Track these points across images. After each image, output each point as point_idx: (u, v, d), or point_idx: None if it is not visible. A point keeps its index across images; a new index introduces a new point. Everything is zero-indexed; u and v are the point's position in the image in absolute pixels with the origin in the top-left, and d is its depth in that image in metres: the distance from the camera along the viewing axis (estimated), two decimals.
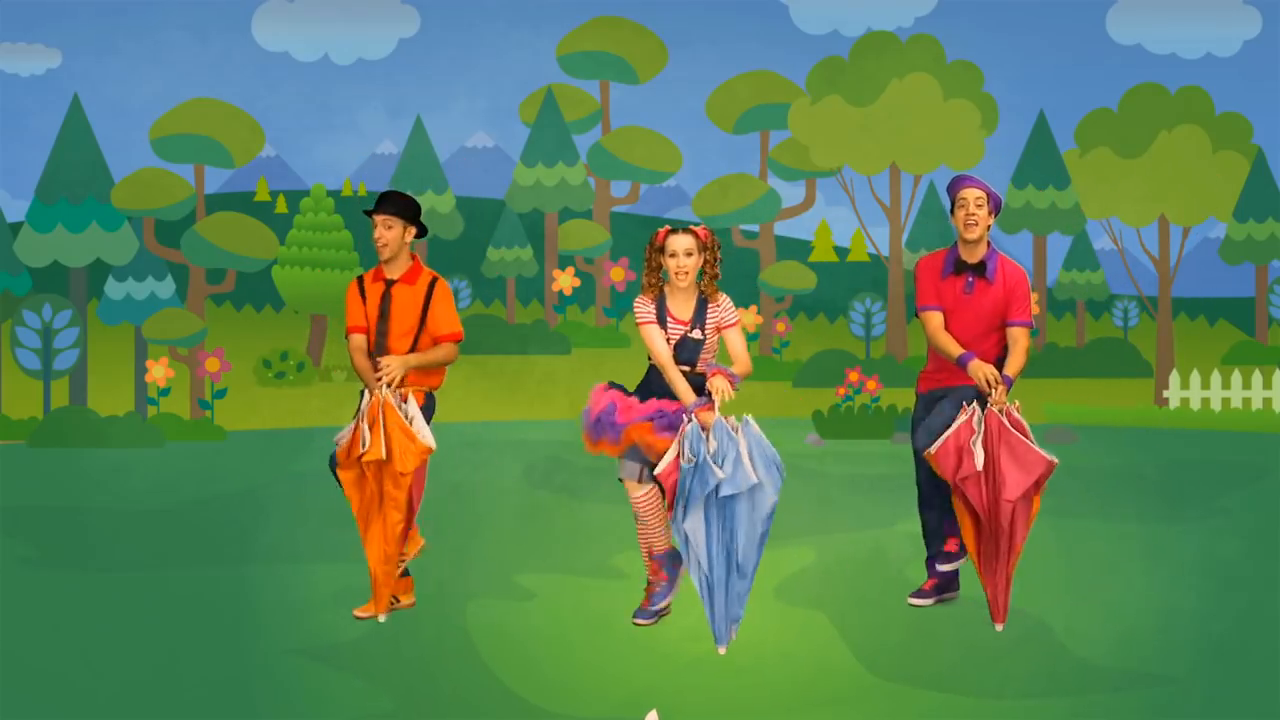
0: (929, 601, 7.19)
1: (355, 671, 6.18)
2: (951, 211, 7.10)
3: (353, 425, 6.84)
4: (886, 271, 14.48)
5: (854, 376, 13.02)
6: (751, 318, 14.08)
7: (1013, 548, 6.74)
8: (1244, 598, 7.32)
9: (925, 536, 7.32)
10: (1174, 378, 14.12)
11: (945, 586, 7.27)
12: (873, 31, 14.33)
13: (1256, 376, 14.00)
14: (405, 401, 6.86)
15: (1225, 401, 14.02)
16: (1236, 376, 14.03)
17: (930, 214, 14.32)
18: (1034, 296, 14.31)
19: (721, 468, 6.39)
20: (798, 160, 14.43)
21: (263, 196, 14.39)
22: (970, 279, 7.04)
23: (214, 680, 6.08)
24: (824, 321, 14.61)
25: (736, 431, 6.47)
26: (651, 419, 6.60)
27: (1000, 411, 6.76)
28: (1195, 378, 14.08)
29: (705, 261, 6.73)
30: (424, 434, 6.83)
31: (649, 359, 6.79)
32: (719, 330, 6.77)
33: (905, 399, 13.15)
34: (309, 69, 14.15)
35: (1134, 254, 14.66)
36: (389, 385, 6.83)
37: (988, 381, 6.78)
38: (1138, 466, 11.49)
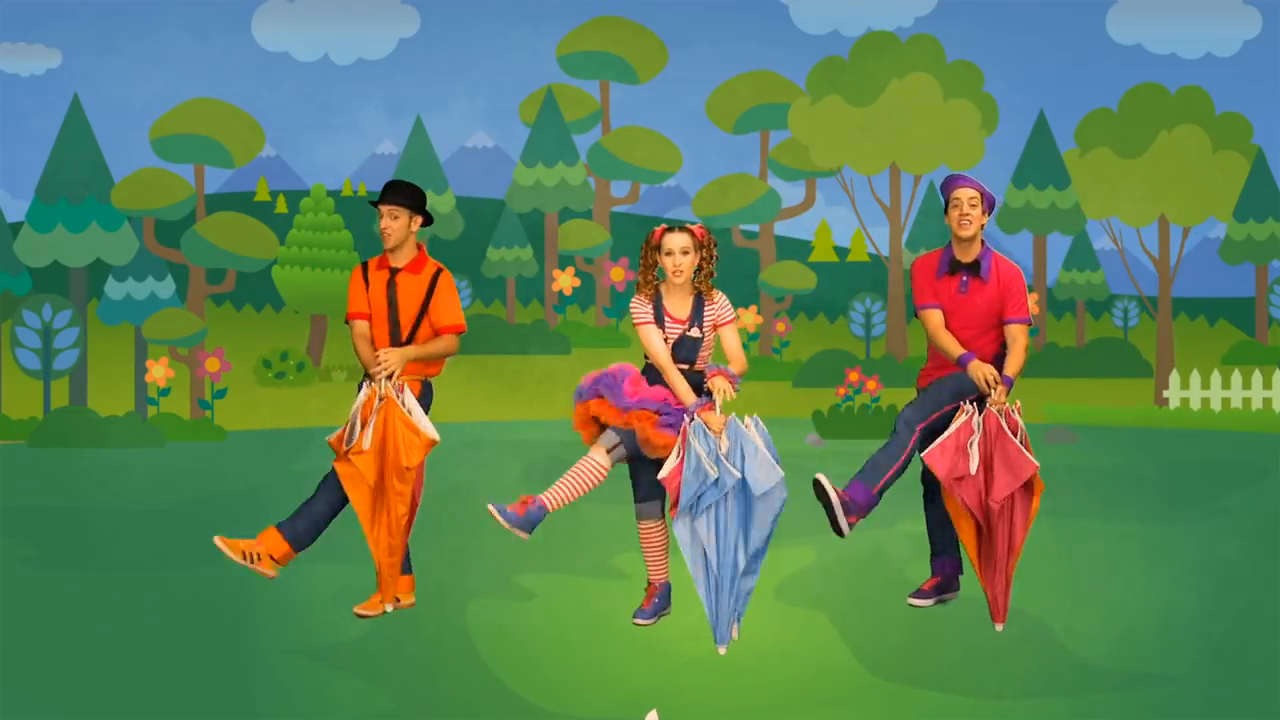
0: (929, 602, 7.19)
1: (355, 671, 6.18)
2: (945, 211, 7.11)
3: (350, 422, 6.84)
4: (886, 271, 14.48)
5: (854, 376, 13.02)
6: (751, 318, 14.09)
7: (1012, 548, 6.74)
8: (1244, 598, 7.32)
9: (928, 533, 7.32)
10: (1174, 378, 14.12)
11: (945, 587, 7.27)
12: (873, 31, 14.33)
13: (1256, 376, 14.01)
14: (402, 393, 6.86)
15: (1225, 401, 14.02)
16: (1236, 376, 14.03)
17: (930, 214, 14.32)
18: (1033, 296, 14.37)
19: (737, 467, 6.40)
20: (798, 160, 14.43)
21: (263, 196, 14.39)
22: (965, 278, 7.04)
23: (214, 680, 6.08)
24: (824, 321, 14.62)
25: (750, 430, 6.49)
26: (658, 411, 6.59)
27: (1000, 412, 6.77)
28: (1195, 378, 14.08)
29: (701, 260, 6.74)
30: (426, 426, 6.84)
31: (646, 359, 6.79)
32: (716, 328, 6.77)
33: (905, 399, 13.12)
34: (309, 69, 14.15)
35: (1134, 254, 14.67)
36: (387, 378, 6.83)
37: (987, 382, 6.79)
38: (1138, 466, 11.48)
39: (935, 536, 7.29)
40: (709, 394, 6.56)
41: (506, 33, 14.26)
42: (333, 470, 6.99)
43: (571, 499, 6.65)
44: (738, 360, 6.76)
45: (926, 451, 6.82)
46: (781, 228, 14.67)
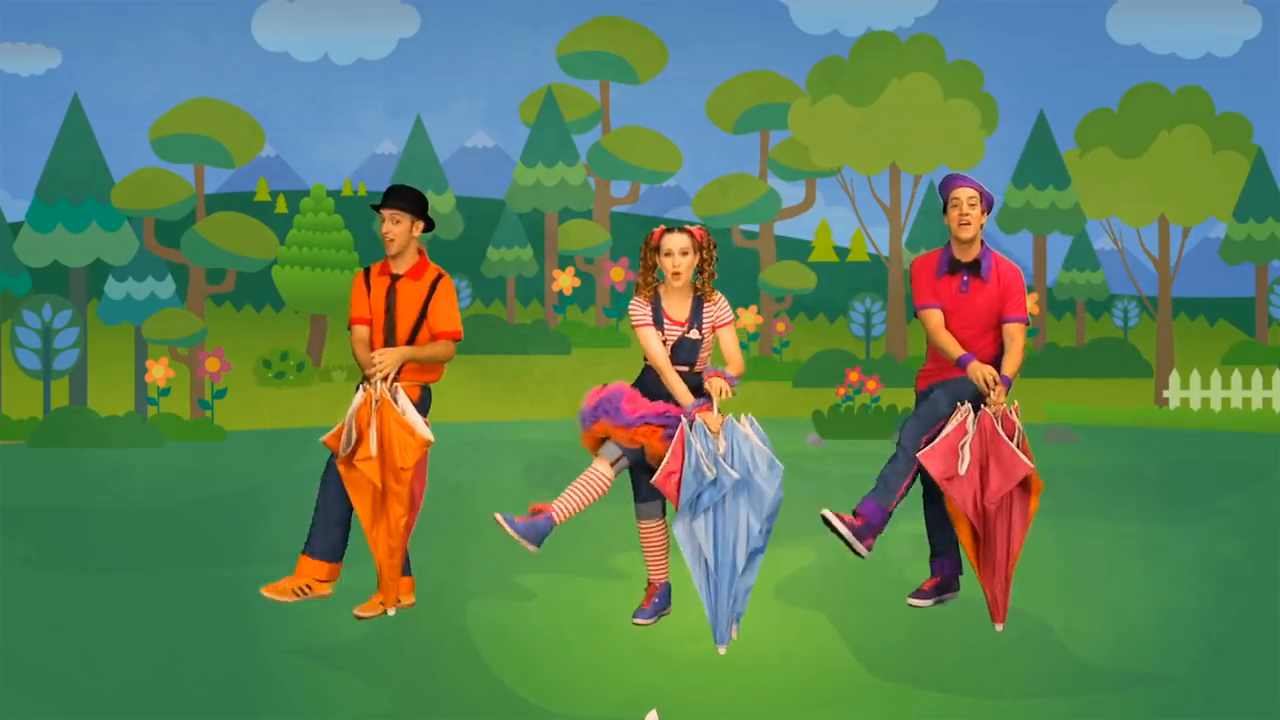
0: (928, 602, 7.19)
1: (355, 671, 6.18)
2: (944, 211, 7.11)
3: (347, 425, 6.83)
4: (886, 271, 14.48)
5: (854, 376, 13.02)
6: (751, 318, 14.09)
7: (1011, 549, 6.74)
8: (1244, 598, 7.32)
9: (928, 533, 7.33)
10: (1174, 378, 14.12)
11: (945, 587, 7.27)
12: (873, 31, 14.33)
13: (1256, 376, 14.01)
14: (397, 395, 6.85)
15: (1225, 401, 14.02)
16: (1236, 376, 14.03)
17: (930, 214, 14.31)
18: (1033, 296, 14.37)
19: (736, 467, 6.40)
20: (798, 160, 14.43)
21: (263, 196, 14.39)
22: (965, 278, 7.04)
23: (214, 680, 6.08)
24: (824, 321, 14.62)
25: (747, 429, 6.49)
26: (661, 423, 6.59)
27: (996, 414, 6.77)
28: (1195, 378, 14.08)
29: (701, 261, 6.74)
30: (421, 427, 6.83)
31: (645, 360, 6.79)
32: (714, 329, 6.77)
33: (905, 399, 13.13)
34: (309, 69, 14.15)
35: (1134, 254, 14.67)
36: (383, 379, 6.82)
37: (987, 383, 6.79)
38: (1138, 466, 11.48)
39: (934, 537, 7.29)
40: (707, 395, 6.56)
41: (506, 33, 14.26)
42: (328, 472, 7.00)
43: (579, 509, 6.67)
44: (735, 362, 6.76)
45: (923, 452, 6.82)
46: (781, 228, 14.66)
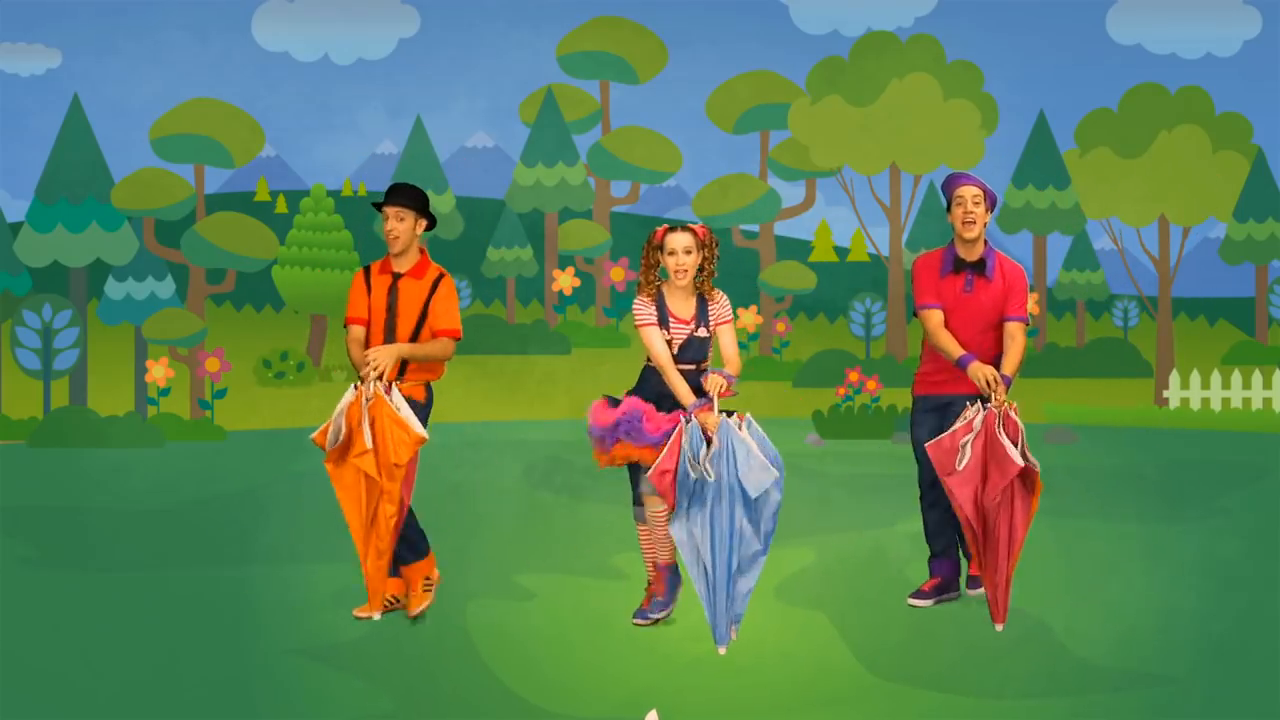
0: (928, 602, 7.19)
1: (355, 671, 6.18)
2: (948, 210, 7.10)
3: (335, 421, 6.76)
4: (886, 271, 14.48)
5: (854, 376, 13.02)
6: (751, 318, 14.09)
7: (1012, 548, 6.74)
8: (1244, 598, 7.32)
9: (927, 536, 7.33)
10: (1174, 378, 14.12)
11: (945, 588, 7.27)
12: (873, 31, 14.33)
13: (1256, 376, 14.01)
14: (390, 393, 6.81)
15: (1225, 401, 14.02)
16: (1236, 376, 14.03)
17: (930, 214, 14.32)
18: (1033, 296, 14.36)
19: (723, 469, 6.39)
20: (798, 160, 14.43)
21: (263, 196, 14.39)
22: (970, 277, 7.04)
23: (214, 680, 6.08)
24: (824, 321, 14.61)
25: (742, 430, 6.48)
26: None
27: (999, 414, 6.77)
28: (1195, 378, 14.09)
29: (704, 259, 6.74)
30: (415, 424, 6.80)
31: (647, 360, 6.78)
32: (716, 326, 6.78)
33: (905, 399, 13.09)
34: (309, 69, 14.15)
35: (1134, 254, 14.67)
36: (378, 377, 6.78)
37: (988, 383, 6.79)
38: (1138, 466, 11.48)
39: (933, 539, 7.29)
40: (706, 395, 6.56)
41: (506, 33, 14.26)
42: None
43: (666, 541, 6.82)
44: (733, 361, 6.77)
45: (929, 444, 6.83)
46: (781, 228, 14.66)
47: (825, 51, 14.32)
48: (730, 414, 6.57)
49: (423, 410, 7.05)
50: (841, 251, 14.68)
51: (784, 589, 7.45)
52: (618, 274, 14.46)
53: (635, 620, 6.82)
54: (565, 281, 14.43)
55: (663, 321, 6.71)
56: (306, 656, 6.37)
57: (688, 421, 6.50)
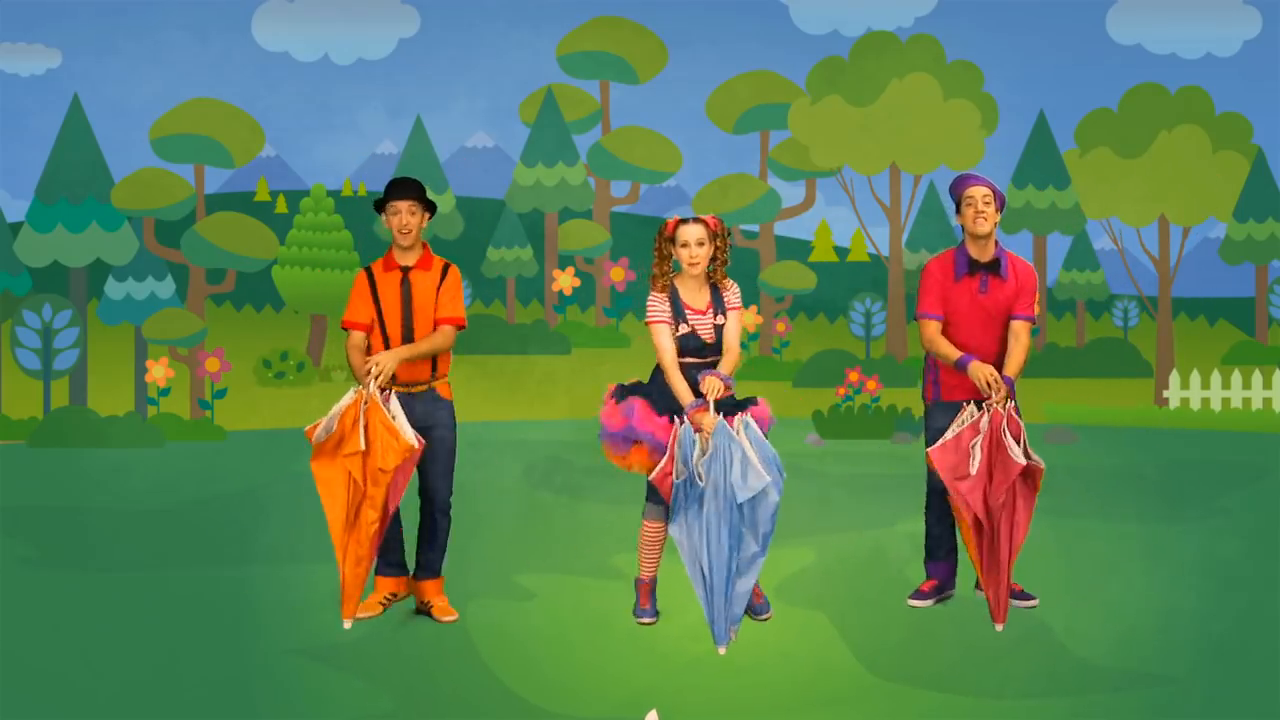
0: (928, 603, 7.19)
1: (355, 671, 6.18)
2: (958, 211, 7.10)
3: (329, 418, 6.73)
4: (886, 271, 14.48)
5: (854, 376, 13.02)
6: (751, 318, 14.08)
7: (1012, 548, 6.75)
8: (1244, 598, 7.32)
9: (927, 541, 7.33)
10: (1174, 378, 14.12)
11: (943, 587, 7.27)
12: (873, 31, 14.33)
13: (1256, 376, 14.00)
14: (389, 401, 6.79)
15: (1225, 401, 14.02)
16: (1236, 376, 14.03)
17: (930, 214, 14.31)
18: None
19: (723, 471, 6.39)
20: (798, 160, 14.43)
21: (263, 196, 14.39)
22: (985, 278, 7.06)
23: (214, 680, 6.08)
24: (824, 321, 14.61)
25: (739, 433, 6.47)
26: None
27: (1003, 411, 6.77)
28: (1195, 378, 14.08)
29: (715, 250, 6.75)
30: (407, 432, 6.76)
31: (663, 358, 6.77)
32: (727, 311, 6.80)
33: (905, 399, 13.16)
34: (309, 69, 14.15)
35: (1134, 254, 14.67)
36: (378, 384, 6.76)
37: (988, 384, 6.80)
38: (1138, 466, 11.48)
39: (933, 541, 7.30)
40: (702, 396, 6.55)
41: (506, 33, 14.26)
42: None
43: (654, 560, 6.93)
44: (732, 349, 6.77)
45: (931, 448, 6.83)
46: (781, 228, 14.66)
47: (825, 51, 14.32)
48: (737, 412, 6.57)
49: (450, 408, 7.07)
50: (841, 251, 14.68)
51: (784, 589, 7.44)
52: (618, 274, 14.46)
53: (640, 620, 6.83)
54: (565, 281, 14.43)
55: (679, 315, 6.70)
56: (306, 656, 6.37)
57: (681, 423, 6.51)
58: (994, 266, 7.05)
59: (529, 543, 8.66)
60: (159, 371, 13.07)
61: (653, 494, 6.80)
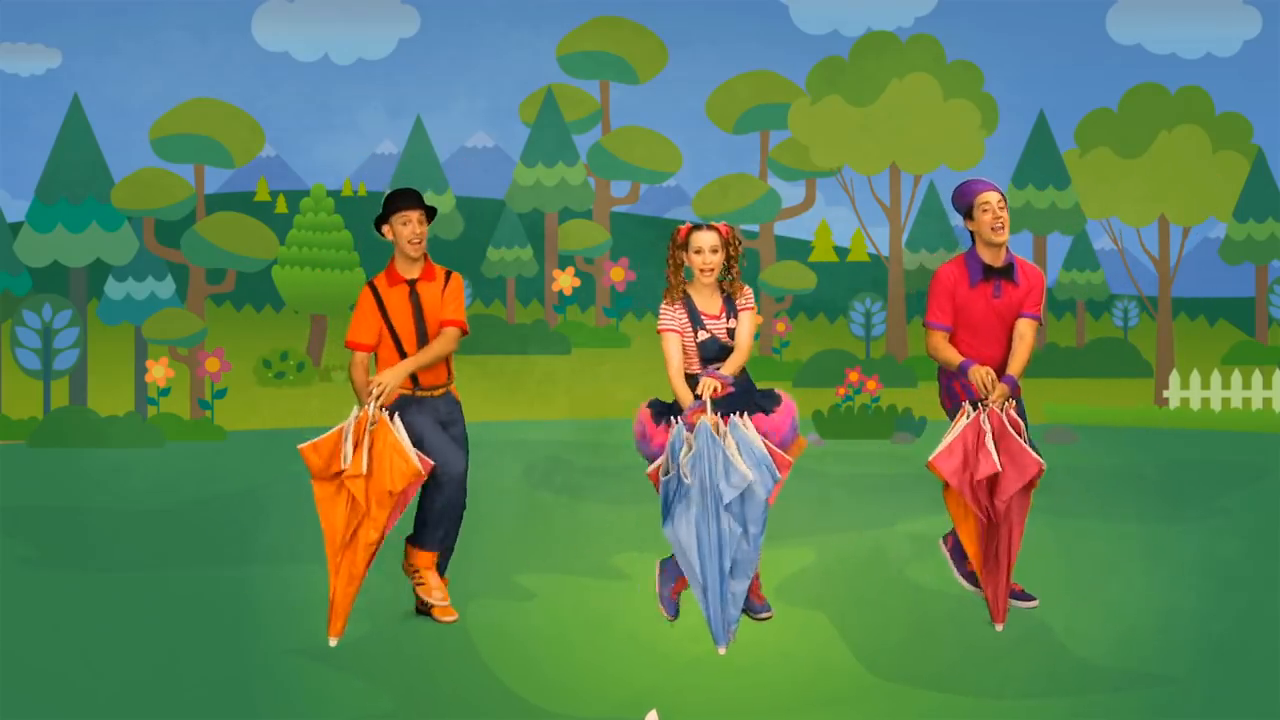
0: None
1: (355, 671, 6.18)
2: (968, 217, 7.07)
3: (339, 440, 6.68)
4: (886, 271, 14.48)
5: (854, 376, 13.02)
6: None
7: (1011, 547, 6.75)
8: (1244, 598, 7.32)
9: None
10: (1174, 378, 14.12)
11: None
12: (873, 31, 14.32)
13: (1256, 376, 14.00)
14: (394, 420, 6.75)
15: (1225, 401, 14.02)
16: (1236, 376, 14.03)
17: (930, 214, 14.31)
18: None
19: (700, 471, 6.38)
20: (798, 160, 14.43)
21: (263, 196, 14.38)
22: (999, 284, 7.07)
23: (214, 680, 6.08)
24: (824, 321, 14.61)
25: (724, 435, 6.45)
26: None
27: (1000, 411, 6.77)
28: (1195, 378, 14.08)
29: (728, 257, 6.79)
30: (414, 456, 6.69)
31: (695, 363, 6.80)
32: (739, 312, 6.82)
33: (905, 399, 13.17)
34: (309, 69, 14.14)
35: (1134, 254, 14.66)
36: (380, 404, 6.71)
37: (985, 386, 6.81)
38: (1138, 466, 11.48)
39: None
40: (699, 398, 6.56)
41: (506, 33, 14.26)
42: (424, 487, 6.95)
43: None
44: (742, 348, 6.79)
45: (932, 456, 6.82)
46: (781, 228, 14.66)
47: (825, 51, 14.32)
48: (736, 413, 6.57)
49: (461, 407, 7.11)
50: (841, 251, 14.68)
51: (784, 589, 7.44)
52: (618, 274, 14.46)
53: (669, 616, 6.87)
54: (565, 281, 14.43)
55: (697, 321, 6.75)
56: (306, 656, 6.37)
57: (674, 426, 6.53)
58: (1007, 272, 7.06)
59: (529, 543, 8.66)
60: (159, 371, 13.07)
61: None
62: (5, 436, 13.02)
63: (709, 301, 6.78)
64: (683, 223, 6.93)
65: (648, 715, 5.35)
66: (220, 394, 13.19)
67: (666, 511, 6.48)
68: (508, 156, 14.58)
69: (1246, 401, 13.98)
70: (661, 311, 6.78)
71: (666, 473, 6.46)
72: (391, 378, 6.76)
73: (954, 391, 7.17)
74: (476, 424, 7.29)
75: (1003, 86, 14.28)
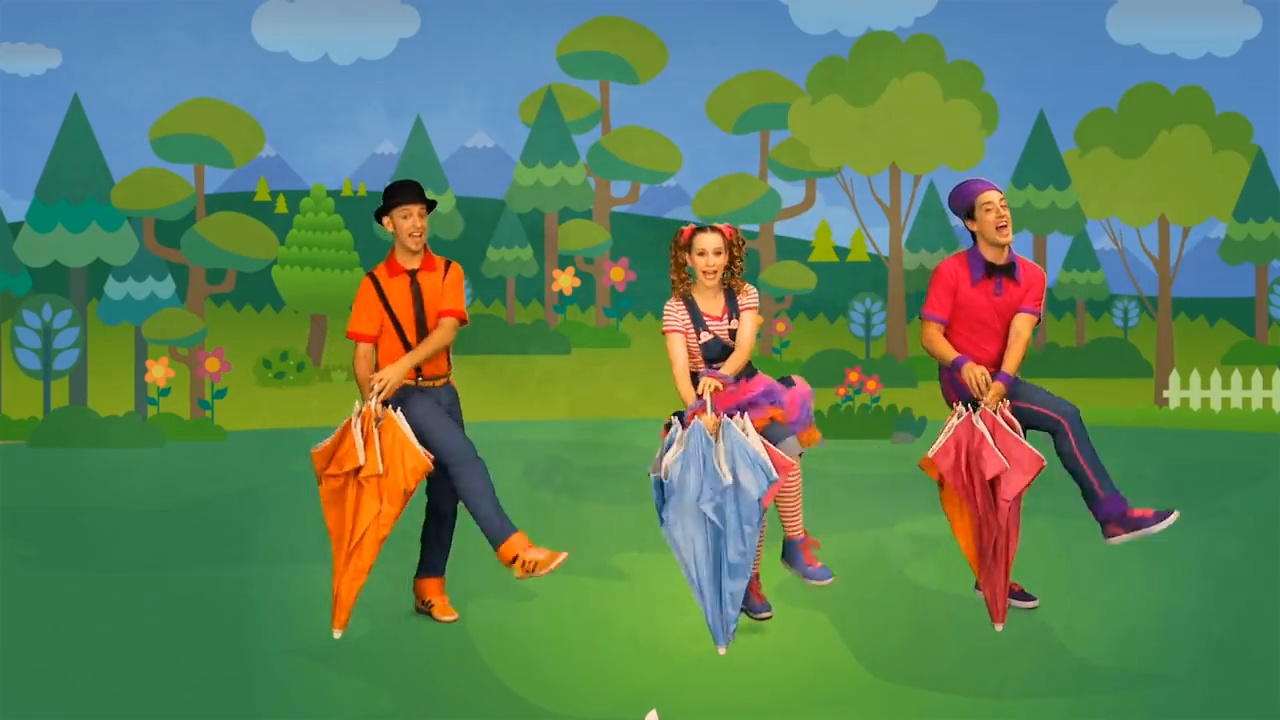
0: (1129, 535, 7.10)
1: (355, 671, 6.18)
2: (971, 216, 7.08)
3: (344, 438, 6.68)
4: (886, 271, 14.48)
5: (854, 376, 13.03)
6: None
7: (1009, 546, 6.75)
8: (1244, 598, 7.32)
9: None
10: (1174, 378, 14.12)
11: (1136, 523, 7.12)
12: (873, 31, 14.32)
13: (1256, 376, 14.01)
14: (396, 413, 6.75)
15: (1225, 401, 14.02)
16: (1236, 376, 14.03)
17: (930, 214, 14.31)
18: None
19: (691, 472, 6.37)
20: (798, 160, 14.43)
21: (263, 196, 14.38)
22: (1000, 281, 7.08)
23: (214, 680, 6.08)
24: (824, 321, 14.61)
25: (716, 436, 6.43)
26: (770, 400, 6.71)
27: (994, 410, 6.78)
28: (1195, 378, 14.08)
29: (731, 259, 6.80)
30: (422, 450, 6.72)
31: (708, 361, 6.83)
32: (741, 312, 6.83)
33: (905, 399, 13.17)
34: (309, 69, 14.15)
35: (1134, 254, 14.66)
36: (381, 399, 6.71)
37: (978, 385, 6.83)
38: (1138, 466, 11.48)
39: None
40: (699, 398, 6.56)
41: (506, 33, 14.26)
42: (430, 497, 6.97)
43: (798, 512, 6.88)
44: (744, 347, 6.78)
45: (928, 454, 6.82)
46: (781, 228, 14.66)
47: (825, 51, 14.32)
48: (737, 413, 6.56)
49: (458, 399, 7.13)
50: (841, 251, 14.68)
51: (784, 589, 7.44)
52: (618, 274, 14.46)
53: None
54: (565, 281, 14.43)
55: (699, 323, 6.75)
56: (306, 656, 6.37)
57: (671, 427, 6.53)
58: (1009, 270, 7.08)
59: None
60: (159, 371, 13.07)
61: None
62: (5, 436, 13.02)
63: (711, 303, 6.79)
64: (684, 223, 6.95)
65: (648, 715, 5.35)
66: (220, 394, 13.19)
67: (660, 510, 6.47)
68: (508, 156, 14.58)
69: (1246, 401, 13.98)
70: (665, 311, 6.78)
71: (656, 469, 6.46)
72: (393, 373, 6.77)
73: (956, 384, 7.18)
74: (476, 424, 7.29)
75: (1003, 86, 14.28)
